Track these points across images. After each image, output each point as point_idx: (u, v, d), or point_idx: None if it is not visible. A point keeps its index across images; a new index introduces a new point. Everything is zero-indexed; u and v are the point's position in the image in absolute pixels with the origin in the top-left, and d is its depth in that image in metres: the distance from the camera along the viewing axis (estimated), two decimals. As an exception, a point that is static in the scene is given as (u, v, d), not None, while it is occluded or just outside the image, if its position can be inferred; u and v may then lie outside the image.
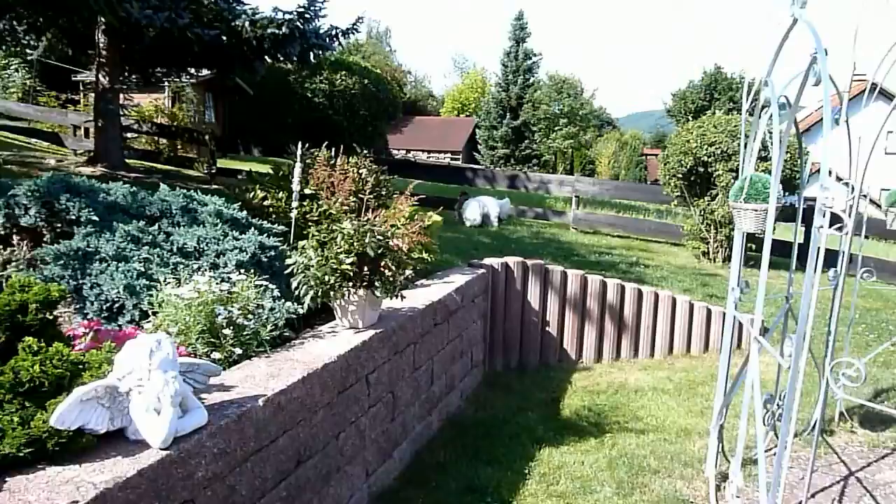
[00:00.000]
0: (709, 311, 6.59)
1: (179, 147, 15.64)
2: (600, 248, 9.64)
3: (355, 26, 12.76)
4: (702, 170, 9.36)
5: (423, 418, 4.24)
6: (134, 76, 14.19)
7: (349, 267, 3.31)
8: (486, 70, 57.33)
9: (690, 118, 24.92)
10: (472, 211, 10.21)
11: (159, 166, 14.08)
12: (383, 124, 14.08)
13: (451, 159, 42.92)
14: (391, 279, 3.45)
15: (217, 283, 3.04)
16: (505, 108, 40.74)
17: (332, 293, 3.33)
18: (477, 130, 42.47)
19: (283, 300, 3.40)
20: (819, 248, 2.57)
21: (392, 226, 4.44)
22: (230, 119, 21.61)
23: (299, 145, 4.04)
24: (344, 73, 13.06)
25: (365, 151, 5.44)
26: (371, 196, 5.14)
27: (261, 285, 3.17)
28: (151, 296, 2.95)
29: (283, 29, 10.39)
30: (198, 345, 2.80)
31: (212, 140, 13.58)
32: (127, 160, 13.21)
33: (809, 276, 2.49)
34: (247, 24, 10.40)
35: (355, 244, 3.36)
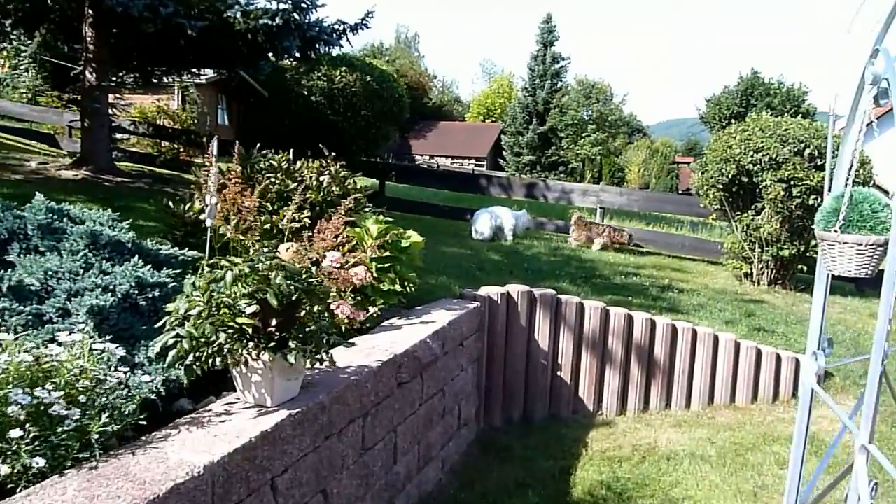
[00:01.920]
0: (758, 353, 5.41)
1: (181, 150, 14.79)
2: (627, 268, 8.44)
3: (364, 21, 11.72)
4: (746, 179, 8.12)
5: (379, 512, 3.15)
6: (131, 75, 13.44)
7: (248, 320, 2.25)
8: (513, 75, 55.99)
9: (726, 125, 23.48)
10: (483, 224, 9.02)
11: (155, 169, 13.24)
12: (389, 126, 12.96)
13: (476, 165, 41.78)
14: (313, 336, 2.38)
15: (30, 348, 1.99)
16: (531, 114, 39.46)
17: (219, 359, 2.27)
18: (503, 136, 41.24)
19: (162, 363, 2.36)
20: None
21: (347, 248, 3.38)
22: (244, 121, 20.75)
23: (214, 142, 2.99)
24: (344, 68, 12.01)
25: (333, 155, 4.38)
26: (331, 209, 4.09)
27: (100, 349, 2.11)
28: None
29: (277, 20, 9.43)
30: (-32, 455, 1.76)
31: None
32: (119, 163, 12.42)
33: None
34: (239, 14, 9.47)
35: (263, 287, 2.30)
